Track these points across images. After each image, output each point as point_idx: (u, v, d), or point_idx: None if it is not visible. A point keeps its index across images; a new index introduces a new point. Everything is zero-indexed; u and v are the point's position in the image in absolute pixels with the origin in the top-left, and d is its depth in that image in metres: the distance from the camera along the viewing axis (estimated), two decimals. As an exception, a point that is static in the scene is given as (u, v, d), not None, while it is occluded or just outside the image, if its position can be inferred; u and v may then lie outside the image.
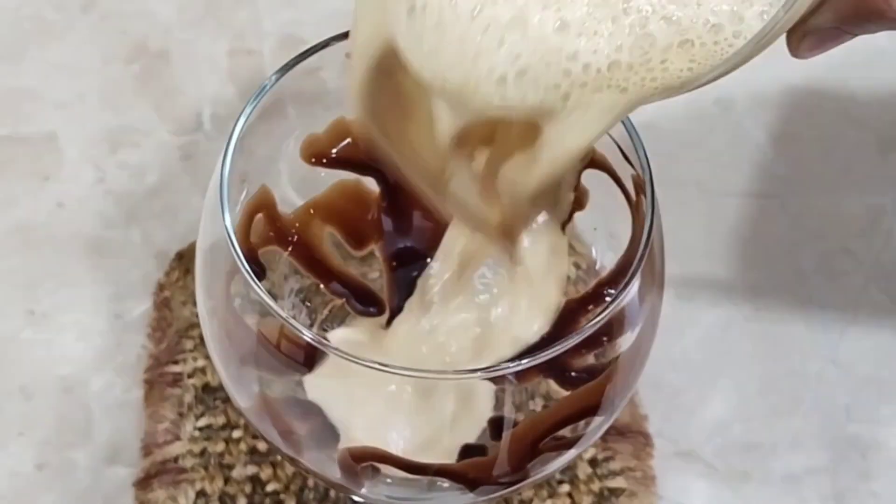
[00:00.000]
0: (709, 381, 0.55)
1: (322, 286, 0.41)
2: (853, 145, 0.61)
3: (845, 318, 0.57)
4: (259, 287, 0.35)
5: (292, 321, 0.34)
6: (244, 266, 0.35)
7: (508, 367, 0.34)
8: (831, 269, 0.58)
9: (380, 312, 0.41)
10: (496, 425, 0.38)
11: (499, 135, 0.34)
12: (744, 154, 0.61)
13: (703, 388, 0.54)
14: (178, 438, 0.52)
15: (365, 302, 0.41)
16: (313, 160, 0.40)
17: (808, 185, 0.60)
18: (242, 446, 0.51)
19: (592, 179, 0.40)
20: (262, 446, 0.51)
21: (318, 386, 0.36)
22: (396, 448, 0.36)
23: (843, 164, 0.61)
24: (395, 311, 0.39)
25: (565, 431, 0.37)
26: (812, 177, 0.60)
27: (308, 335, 0.34)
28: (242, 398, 0.38)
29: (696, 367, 0.55)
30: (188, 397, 0.52)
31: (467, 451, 0.37)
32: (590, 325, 0.35)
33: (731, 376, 0.55)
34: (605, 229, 0.41)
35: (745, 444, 0.53)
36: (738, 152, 0.61)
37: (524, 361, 0.34)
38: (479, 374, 0.34)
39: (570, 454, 0.39)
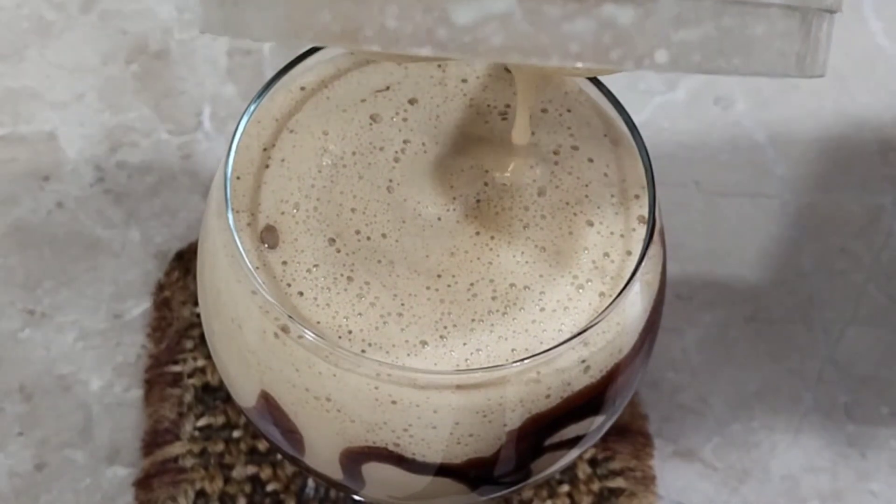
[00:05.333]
0: (709, 381, 0.55)
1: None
2: (853, 145, 0.61)
3: (845, 317, 0.57)
4: (262, 286, 0.35)
5: (295, 320, 0.34)
6: (247, 266, 0.35)
7: (509, 367, 0.34)
8: (831, 269, 0.58)
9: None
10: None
11: None
12: (744, 154, 0.61)
13: (702, 388, 0.55)
14: (178, 438, 0.52)
15: None
16: None
17: (808, 185, 0.60)
18: (242, 446, 0.51)
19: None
20: (262, 446, 0.51)
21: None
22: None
23: (843, 164, 0.61)
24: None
25: (567, 431, 0.37)
26: (812, 177, 0.60)
27: (310, 333, 0.34)
28: (244, 397, 0.38)
29: (696, 367, 0.55)
30: (188, 397, 0.52)
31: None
32: (589, 325, 0.35)
33: (731, 376, 0.55)
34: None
35: (744, 444, 0.53)
36: (738, 152, 0.61)
37: (526, 361, 0.34)
38: (479, 374, 0.34)
39: (572, 454, 0.39)
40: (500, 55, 0.26)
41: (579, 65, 0.26)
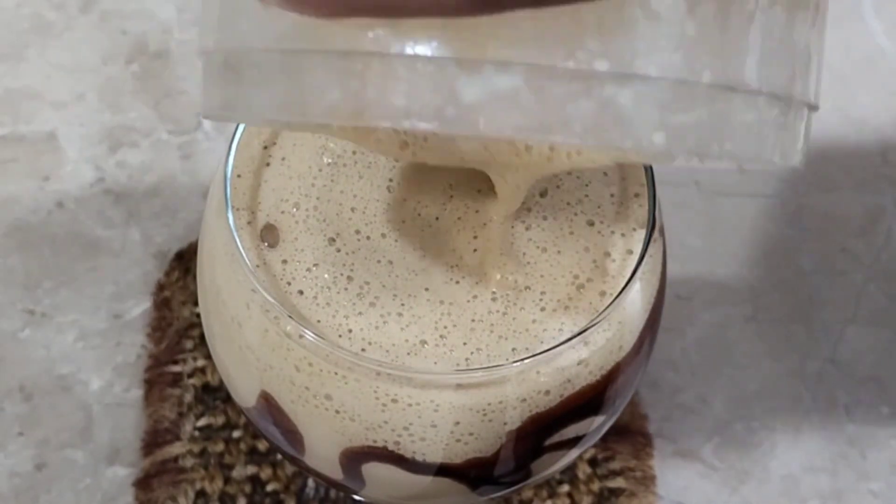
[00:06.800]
0: (709, 381, 0.55)
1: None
2: (853, 145, 0.61)
3: (845, 318, 0.57)
4: (262, 285, 0.35)
5: (295, 319, 0.34)
6: (247, 265, 0.35)
7: (509, 367, 0.34)
8: (831, 269, 0.58)
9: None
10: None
11: None
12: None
13: (702, 388, 0.55)
14: (178, 438, 0.52)
15: None
16: None
17: (808, 185, 0.60)
18: (242, 446, 0.51)
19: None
20: (262, 446, 0.51)
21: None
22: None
23: (843, 164, 0.61)
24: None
25: (567, 431, 0.37)
26: (812, 177, 0.60)
27: (310, 332, 0.34)
28: (244, 397, 0.38)
29: (696, 367, 0.55)
30: (188, 397, 0.52)
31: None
32: (590, 323, 0.35)
33: (731, 376, 0.55)
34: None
35: (744, 444, 0.53)
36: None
37: (526, 360, 0.34)
38: (479, 373, 0.34)
39: (572, 454, 0.39)
40: (506, 132, 0.27)
41: (577, 141, 0.27)
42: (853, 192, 0.60)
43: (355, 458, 0.36)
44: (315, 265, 0.36)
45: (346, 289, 0.36)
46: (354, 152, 0.38)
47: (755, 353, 0.56)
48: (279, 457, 0.51)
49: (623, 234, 0.38)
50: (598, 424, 0.38)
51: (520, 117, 0.27)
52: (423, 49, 0.27)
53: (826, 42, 0.32)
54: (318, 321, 0.35)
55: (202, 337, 0.53)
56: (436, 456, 0.36)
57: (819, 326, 0.56)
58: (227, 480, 0.51)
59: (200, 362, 0.53)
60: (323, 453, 0.37)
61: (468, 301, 0.36)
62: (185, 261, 0.56)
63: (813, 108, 0.31)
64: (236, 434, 0.52)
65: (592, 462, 0.52)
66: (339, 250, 0.37)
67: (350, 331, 0.35)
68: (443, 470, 0.36)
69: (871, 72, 0.64)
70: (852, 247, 0.58)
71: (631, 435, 0.53)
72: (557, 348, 0.34)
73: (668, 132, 0.27)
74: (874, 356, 0.56)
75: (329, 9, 0.27)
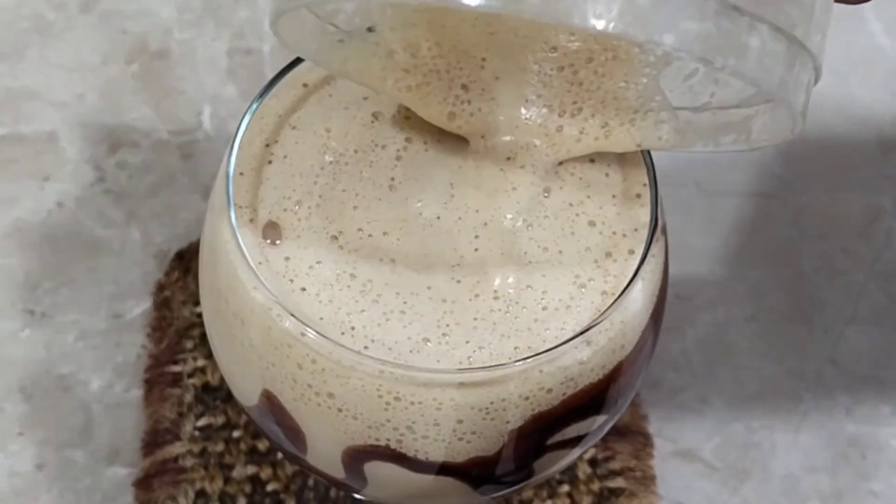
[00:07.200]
0: (709, 381, 0.55)
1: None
2: (853, 145, 0.61)
3: (845, 318, 0.57)
4: (264, 282, 0.35)
5: (297, 317, 0.34)
6: (250, 263, 0.35)
7: (511, 366, 0.34)
8: (831, 269, 0.58)
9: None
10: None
11: None
12: (744, 154, 0.61)
13: (702, 388, 0.55)
14: (178, 438, 0.52)
15: None
16: None
17: (808, 185, 0.60)
18: (242, 446, 0.51)
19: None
20: (262, 446, 0.51)
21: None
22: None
23: (843, 163, 0.61)
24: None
25: (569, 430, 0.37)
26: (812, 176, 0.60)
27: (312, 330, 0.34)
28: (246, 395, 0.38)
29: (696, 367, 0.55)
30: (188, 397, 0.52)
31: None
32: (592, 323, 0.35)
33: (731, 376, 0.55)
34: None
35: (744, 444, 0.53)
36: (738, 152, 0.61)
37: (528, 359, 0.34)
38: (481, 372, 0.34)
39: (574, 453, 0.39)
40: (542, 17, 0.30)
41: (601, 28, 0.30)
42: (853, 192, 0.60)
43: (357, 456, 0.36)
44: (317, 263, 0.36)
45: (348, 286, 0.36)
46: (356, 151, 0.38)
47: (755, 353, 0.56)
48: (279, 457, 0.51)
49: (625, 235, 0.38)
50: (599, 424, 0.38)
51: (554, 3, 0.30)
52: None
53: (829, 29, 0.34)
54: (321, 319, 0.35)
55: (202, 337, 0.53)
56: (438, 454, 0.36)
57: (819, 326, 0.56)
58: (227, 480, 0.51)
59: (200, 362, 0.53)
60: (325, 452, 0.37)
61: (470, 300, 0.36)
62: (185, 261, 0.56)
63: (814, 57, 0.33)
64: (236, 434, 0.52)
65: (592, 462, 0.52)
66: (341, 248, 0.37)
67: (352, 328, 0.35)
68: (445, 469, 0.36)
69: (871, 72, 0.64)
70: (852, 247, 0.58)
71: (631, 435, 0.53)
72: (560, 347, 0.34)
73: (678, 35, 0.31)
74: (874, 356, 0.56)
75: None
